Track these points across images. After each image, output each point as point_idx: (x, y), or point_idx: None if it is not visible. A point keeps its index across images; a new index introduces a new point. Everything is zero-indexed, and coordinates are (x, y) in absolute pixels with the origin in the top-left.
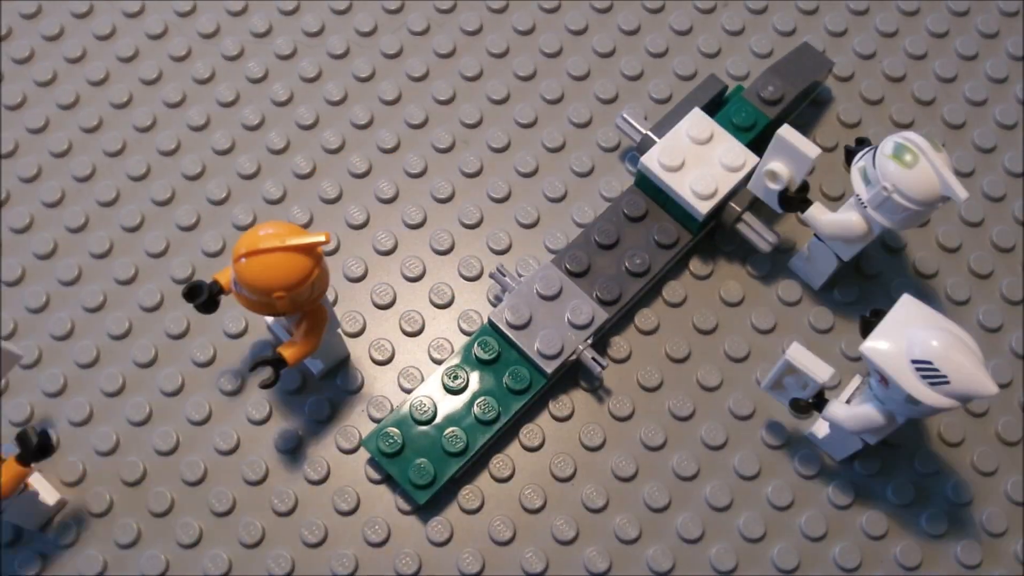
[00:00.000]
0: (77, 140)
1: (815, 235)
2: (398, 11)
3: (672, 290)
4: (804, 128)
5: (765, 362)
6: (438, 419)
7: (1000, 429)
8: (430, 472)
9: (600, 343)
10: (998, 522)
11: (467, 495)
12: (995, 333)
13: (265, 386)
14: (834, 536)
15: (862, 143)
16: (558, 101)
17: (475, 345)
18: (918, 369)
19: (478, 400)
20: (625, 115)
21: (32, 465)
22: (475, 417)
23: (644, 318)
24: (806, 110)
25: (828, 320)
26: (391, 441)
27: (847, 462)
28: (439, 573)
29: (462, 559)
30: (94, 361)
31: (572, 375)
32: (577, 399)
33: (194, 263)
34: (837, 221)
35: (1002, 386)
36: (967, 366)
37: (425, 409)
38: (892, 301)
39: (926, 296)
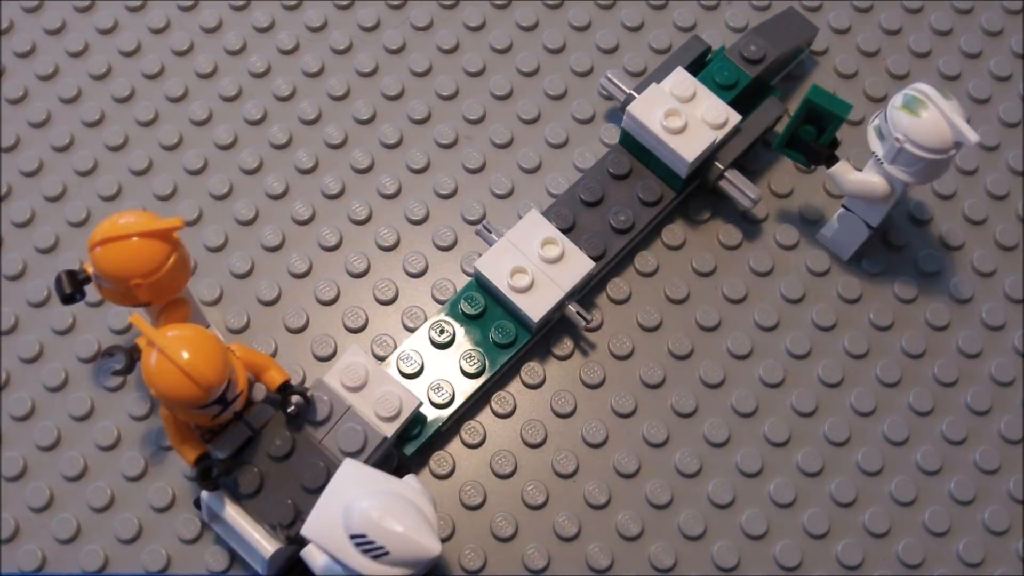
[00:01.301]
0: (79, 134)
1: (843, 206)
2: (400, 6)
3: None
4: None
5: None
6: (425, 373)
7: (1003, 428)
8: (416, 424)
9: (586, 300)
10: (1000, 520)
11: (468, 491)
12: (998, 332)
13: (118, 373)
14: (837, 534)
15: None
16: (534, 73)
17: (462, 300)
18: (357, 544)
19: (464, 353)
20: (610, 75)
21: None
22: (461, 370)
23: (648, 315)
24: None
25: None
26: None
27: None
28: (441, 570)
29: (464, 555)
30: (95, 356)
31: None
32: (579, 394)
33: (196, 257)
34: (860, 180)
35: (1004, 384)
36: (402, 532)
37: (412, 362)
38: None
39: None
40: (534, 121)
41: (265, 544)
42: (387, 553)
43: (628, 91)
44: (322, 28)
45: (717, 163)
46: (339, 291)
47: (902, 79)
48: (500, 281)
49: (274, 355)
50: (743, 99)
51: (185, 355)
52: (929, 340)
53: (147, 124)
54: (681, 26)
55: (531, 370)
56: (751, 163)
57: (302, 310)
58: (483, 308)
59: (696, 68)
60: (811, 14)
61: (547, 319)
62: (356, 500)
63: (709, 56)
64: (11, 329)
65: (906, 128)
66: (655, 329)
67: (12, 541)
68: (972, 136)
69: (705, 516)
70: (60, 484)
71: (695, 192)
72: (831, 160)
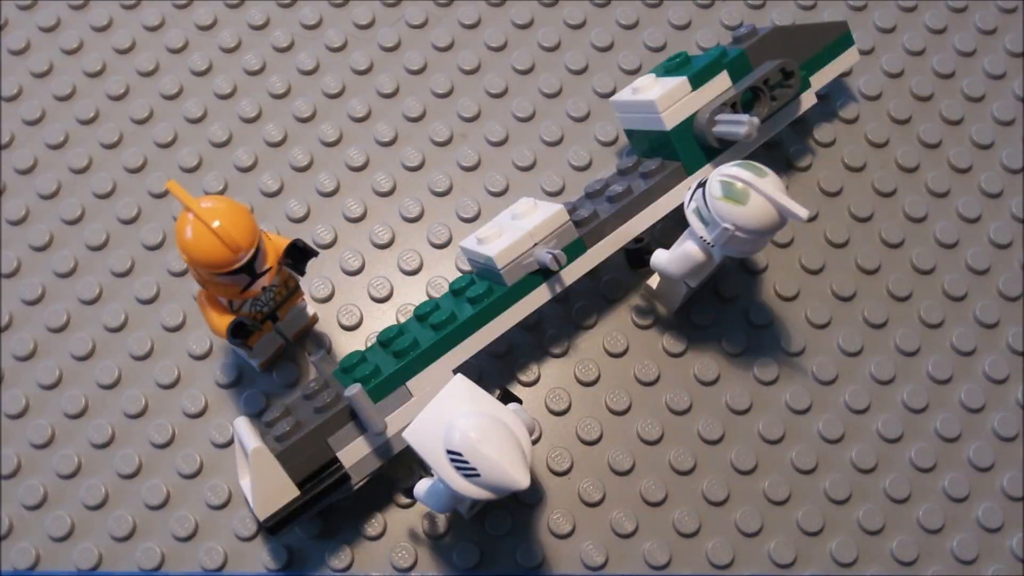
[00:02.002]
0: (73, 132)
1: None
2: (395, 4)
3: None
4: (802, 122)
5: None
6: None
7: (996, 425)
8: (376, 369)
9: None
10: (994, 518)
11: None
12: (992, 329)
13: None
14: (830, 531)
15: (638, 241)
16: (529, 71)
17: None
18: (452, 460)
19: (434, 309)
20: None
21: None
22: (429, 325)
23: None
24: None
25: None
26: (353, 360)
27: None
28: (434, 569)
29: (458, 552)
30: (90, 353)
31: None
32: (574, 392)
33: None
34: (680, 257)
35: (998, 382)
36: (497, 460)
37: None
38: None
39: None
40: (529, 119)
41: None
42: (478, 475)
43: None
44: (317, 26)
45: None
46: (333, 288)
47: (896, 77)
48: (470, 243)
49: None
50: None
51: (217, 222)
52: (923, 337)
53: (142, 122)
54: (676, 24)
55: (526, 368)
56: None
57: None
58: (470, 281)
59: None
60: (806, 12)
61: (521, 269)
62: (460, 418)
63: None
64: (6, 327)
65: (734, 217)
66: (649, 327)
67: (6, 539)
68: (802, 213)
69: (699, 513)
70: (54, 482)
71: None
72: (647, 252)
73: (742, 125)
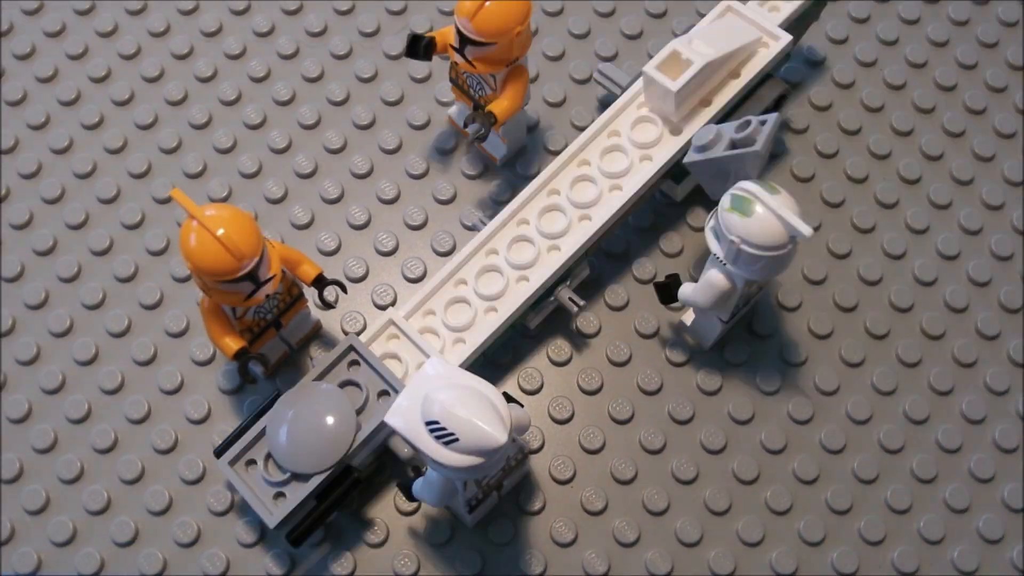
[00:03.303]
0: (78, 137)
1: (693, 309)
2: (400, 12)
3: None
4: (804, 129)
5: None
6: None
7: (997, 437)
8: None
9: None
10: (995, 529)
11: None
12: (993, 341)
13: (479, 138)
14: (832, 542)
15: (670, 276)
16: (534, 80)
17: None
18: (431, 431)
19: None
20: (602, 68)
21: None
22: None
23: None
24: (806, 114)
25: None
26: None
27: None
28: (437, 573)
29: (460, 560)
30: (93, 359)
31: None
32: (576, 400)
33: None
34: (704, 287)
35: (999, 394)
36: (472, 421)
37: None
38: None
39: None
40: (533, 128)
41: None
42: (457, 439)
43: (625, 85)
44: (322, 33)
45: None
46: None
47: (899, 89)
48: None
49: None
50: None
51: (221, 230)
52: (925, 349)
53: (146, 127)
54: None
55: (529, 376)
56: None
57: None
58: None
59: None
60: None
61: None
62: (435, 391)
63: None
64: (8, 331)
65: (739, 230)
66: (652, 336)
67: (7, 544)
68: (805, 230)
69: (702, 522)
70: (56, 487)
71: (695, 197)
72: (676, 287)
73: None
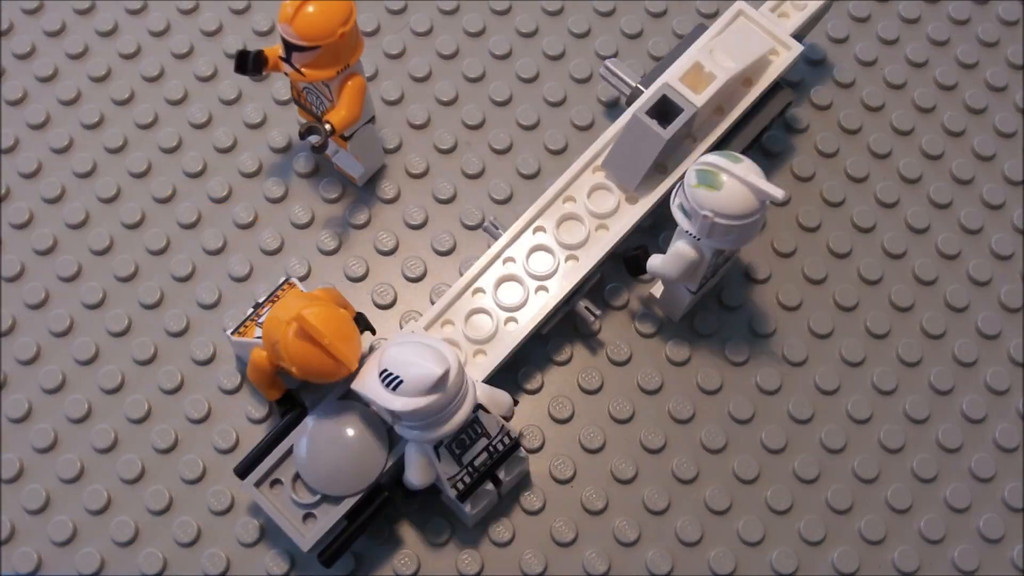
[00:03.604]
0: (78, 136)
1: (663, 281)
2: (401, 11)
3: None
4: (803, 129)
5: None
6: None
7: (997, 436)
8: None
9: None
10: (995, 528)
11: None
12: (993, 340)
13: (317, 149)
14: (832, 541)
15: (636, 248)
16: (534, 79)
17: None
18: (383, 380)
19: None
20: (610, 64)
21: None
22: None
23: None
24: (806, 114)
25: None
26: None
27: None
28: (438, 573)
29: (460, 560)
30: (93, 358)
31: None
32: (576, 399)
33: (194, 261)
34: (673, 258)
35: (999, 393)
36: (412, 360)
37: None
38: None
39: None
40: (533, 127)
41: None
42: (401, 381)
43: (635, 84)
44: None
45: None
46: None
47: (899, 88)
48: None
49: None
50: None
51: (329, 337)
52: (925, 348)
53: (146, 127)
54: (680, 33)
55: (529, 376)
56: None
57: None
58: None
59: None
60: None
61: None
62: (386, 347)
63: None
64: (9, 331)
65: (710, 203)
66: (653, 335)
67: (8, 543)
68: (777, 192)
69: (702, 522)
70: (56, 486)
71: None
72: (645, 258)
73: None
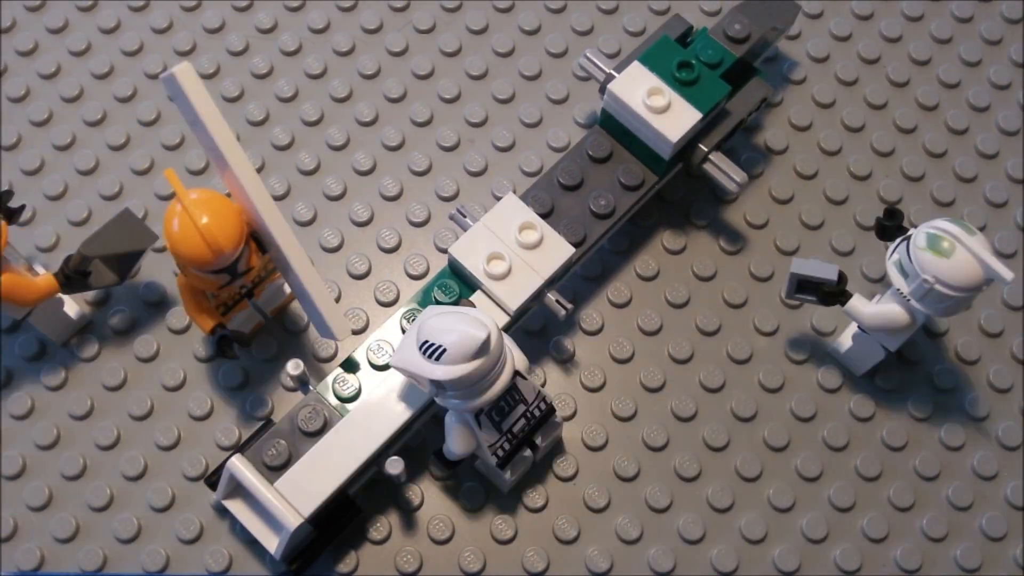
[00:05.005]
0: (80, 134)
1: (859, 326)
2: (404, 9)
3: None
4: (807, 126)
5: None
6: None
7: (1000, 434)
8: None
9: (576, 295)
10: (998, 526)
11: (469, 493)
12: (996, 338)
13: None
14: (835, 539)
15: (893, 215)
16: (536, 77)
17: (435, 288)
18: (424, 352)
19: None
20: (588, 54)
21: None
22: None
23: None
24: (809, 111)
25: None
26: (346, 386)
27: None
28: (440, 571)
29: (463, 557)
30: (95, 355)
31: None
32: (580, 398)
33: None
34: (880, 313)
35: (1003, 391)
36: (454, 328)
37: (383, 353)
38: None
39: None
40: (536, 125)
41: (288, 517)
42: (445, 349)
43: (608, 71)
44: (325, 30)
45: (701, 145)
46: (340, 292)
47: (902, 86)
48: (476, 268)
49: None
50: (727, 80)
51: (204, 218)
52: (927, 348)
53: (149, 124)
54: None
55: (533, 373)
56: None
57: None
58: (457, 296)
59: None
60: (809, 21)
61: (525, 307)
62: (424, 320)
63: (691, 37)
64: (12, 328)
65: (936, 269)
66: (656, 333)
67: (10, 540)
68: (1007, 274)
69: (704, 519)
70: (59, 483)
71: (696, 197)
72: (844, 296)
73: (734, 182)
